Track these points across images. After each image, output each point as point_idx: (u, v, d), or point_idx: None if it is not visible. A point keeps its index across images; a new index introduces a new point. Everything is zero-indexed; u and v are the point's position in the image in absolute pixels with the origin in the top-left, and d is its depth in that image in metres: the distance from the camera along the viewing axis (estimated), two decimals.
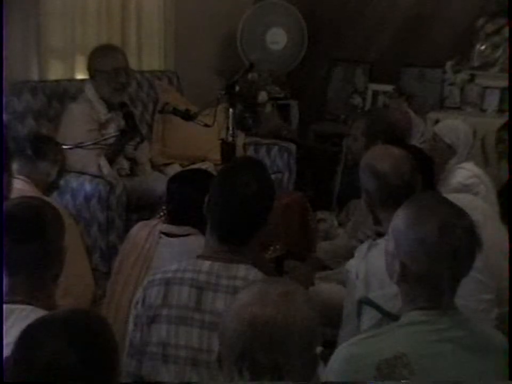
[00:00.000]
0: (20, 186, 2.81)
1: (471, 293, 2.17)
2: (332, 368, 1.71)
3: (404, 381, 1.64)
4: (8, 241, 1.92)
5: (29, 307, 1.85)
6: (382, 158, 2.34)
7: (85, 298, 2.84)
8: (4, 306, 1.85)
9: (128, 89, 4.34)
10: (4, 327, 1.75)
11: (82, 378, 1.37)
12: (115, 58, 4.04)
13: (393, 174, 2.29)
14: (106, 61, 3.99)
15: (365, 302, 2.15)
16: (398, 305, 1.85)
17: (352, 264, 2.29)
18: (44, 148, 3.09)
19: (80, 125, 3.80)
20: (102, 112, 3.98)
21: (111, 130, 3.92)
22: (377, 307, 2.11)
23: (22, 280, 1.92)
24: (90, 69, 4.04)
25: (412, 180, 2.32)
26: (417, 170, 2.35)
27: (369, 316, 2.14)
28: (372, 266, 2.18)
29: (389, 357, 1.65)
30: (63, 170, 3.23)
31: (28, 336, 1.42)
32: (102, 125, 3.94)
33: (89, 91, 4.00)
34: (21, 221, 1.94)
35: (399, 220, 1.77)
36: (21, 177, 2.91)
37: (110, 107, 4.02)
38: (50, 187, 3.13)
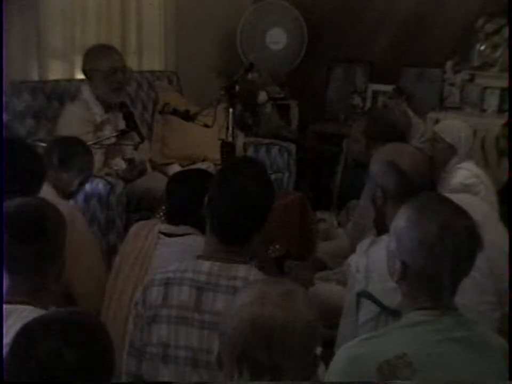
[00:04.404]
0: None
1: (471, 294, 2.17)
2: (334, 369, 1.71)
3: (406, 381, 1.64)
4: (9, 241, 1.92)
5: (30, 307, 1.85)
6: (404, 156, 2.34)
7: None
8: (4, 306, 1.85)
9: (127, 89, 4.34)
10: (4, 327, 1.74)
11: (77, 378, 1.37)
12: (111, 57, 4.02)
13: (416, 172, 2.29)
14: (102, 61, 3.98)
15: (364, 295, 2.15)
16: (398, 300, 1.85)
17: (354, 258, 2.30)
18: (69, 160, 3.04)
19: (75, 126, 3.79)
20: (98, 114, 3.97)
21: (107, 132, 3.92)
22: (375, 301, 2.11)
23: (22, 280, 1.92)
24: (86, 70, 4.02)
25: (433, 175, 2.36)
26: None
27: (367, 309, 2.14)
28: (372, 260, 2.18)
29: (390, 357, 1.65)
30: (86, 180, 3.19)
31: (24, 335, 1.42)
32: (98, 126, 3.93)
33: (85, 92, 3.99)
34: (22, 221, 1.94)
35: (400, 219, 1.77)
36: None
37: (107, 108, 4.01)
38: (71, 194, 3.12)
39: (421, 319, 1.72)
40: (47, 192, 2.84)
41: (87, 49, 4.08)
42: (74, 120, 3.86)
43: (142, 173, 4.06)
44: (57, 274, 1.99)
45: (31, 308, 1.85)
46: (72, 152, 3.08)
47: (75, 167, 3.05)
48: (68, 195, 3.07)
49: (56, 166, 3.01)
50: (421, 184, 2.26)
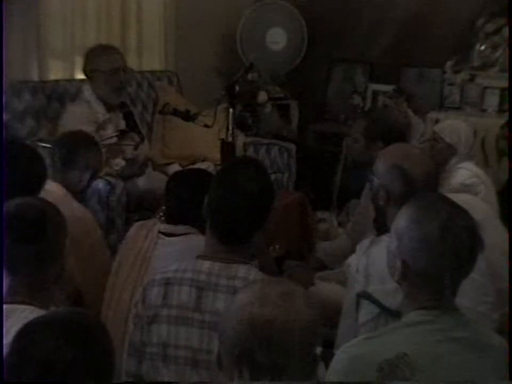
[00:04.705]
0: (51, 189, 2.82)
1: (471, 294, 2.17)
2: (334, 369, 1.71)
3: (406, 381, 1.64)
4: (9, 241, 1.92)
5: (30, 307, 1.85)
6: (410, 158, 2.34)
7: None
8: (5, 306, 1.85)
9: (127, 89, 4.34)
10: (5, 327, 1.74)
11: (77, 378, 1.37)
12: (112, 58, 4.02)
13: (422, 175, 2.29)
14: (104, 61, 3.98)
15: (364, 296, 2.15)
16: (397, 301, 1.85)
17: (353, 259, 2.29)
18: (72, 157, 3.02)
19: (78, 126, 3.78)
20: (100, 113, 3.97)
21: (109, 131, 3.92)
22: (375, 302, 2.12)
23: (22, 281, 1.91)
24: (87, 70, 4.02)
25: (436, 177, 2.37)
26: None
27: (367, 310, 2.14)
28: (372, 261, 2.18)
29: (390, 357, 1.65)
30: (96, 174, 3.18)
31: (24, 335, 1.42)
32: (100, 126, 3.93)
33: (87, 92, 3.99)
34: (23, 221, 1.94)
35: (401, 219, 1.77)
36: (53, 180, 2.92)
37: (109, 108, 4.01)
38: (82, 190, 3.12)
39: (421, 319, 1.72)
40: (58, 192, 2.85)
41: (88, 50, 4.08)
42: (77, 120, 3.86)
43: (143, 168, 4.05)
44: (58, 274, 1.99)
45: (31, 308, 1.85)
46: (74, 149, 3.05)
47: (80, 164, 3.03)
48: (79, 192, 3.06)
49: (59, 165, 3.00)
50: (425, 186, 2.26)
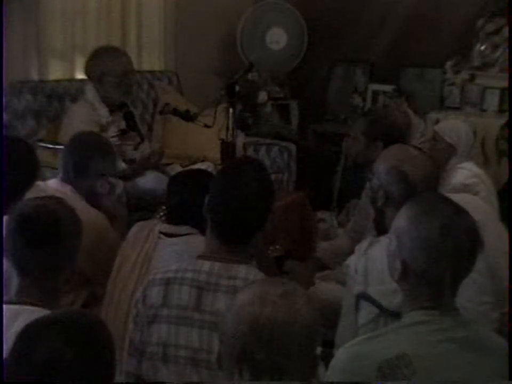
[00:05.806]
0: (62, 190, 2.81)
1: (471, 295, 2.17)
2: (334, 368, 1.71)
3: (406, 381, 1.64)
4: (22, 243, 1.91)
5: (38, 309, 1.85)
6: (410, 161, 2.34)
7: None
8: (13, 307, 1.85)
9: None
10: (12, 328, 1.73)
11: (78, 377, 1.38)
12: (123, 61, 4.01)
13: (421, 178, 2.29)
14: (115, 65, 3.95)
15: (363, 297, 2.15)
16: (396, 301, 1.85)
17: (352, 259, 2.30)
18: (84, 167, 2.89)
19: (81, 126, 3.78)
20: (104, 115, 3.96)
21: (111, 132, 3.91)
22: (375, 302, 2.12)
23: (32, 282, 1.92)
24: (94, 72, 3.99)
25: (436, 179, 2.37)
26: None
27: (367, 311, 2.14)
28: (371, 262, 2.18)
29: (390, 357, 1.65)
30: (112, 176, 3.07)
31: (25, 335, 1.42)
32: (103, 127, 3.93)
33: (90, 93, 3.97)
34: (37, 224, 1.93)
35: (401, 219, 1.78)
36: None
37: (111, 109, 4.00)
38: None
39: (421, 319, 1.72)
40: (69, 194, 2.83)
41: (94, 51, 4.05)
42: (80, 120, 3.84)
43: (156, 163, 4.02)
44: (68, 276, 1.99)
45: (40, 309, 1.85)
46: (87, 158, 2.91)
47: (93, 171, 2.92)
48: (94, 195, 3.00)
49: (72, 171, 2.90)
50: (424, 188, 2.26)
